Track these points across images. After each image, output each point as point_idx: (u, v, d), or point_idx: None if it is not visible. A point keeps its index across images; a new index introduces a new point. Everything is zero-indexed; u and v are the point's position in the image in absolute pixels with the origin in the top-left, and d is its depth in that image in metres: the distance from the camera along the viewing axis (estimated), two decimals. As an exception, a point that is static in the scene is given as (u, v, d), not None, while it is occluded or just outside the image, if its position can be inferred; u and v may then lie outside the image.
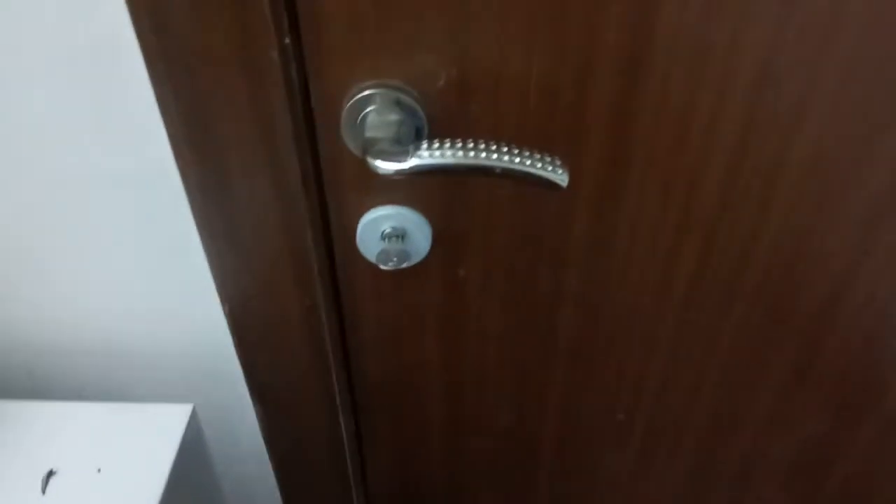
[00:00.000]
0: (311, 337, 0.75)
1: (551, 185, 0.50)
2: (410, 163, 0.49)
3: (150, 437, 0.74)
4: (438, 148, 0.49)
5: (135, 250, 0.71)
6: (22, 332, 0.77)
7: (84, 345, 0.78)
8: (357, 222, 0.64)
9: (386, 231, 0.63)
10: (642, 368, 0.78)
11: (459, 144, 0.49)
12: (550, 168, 0.49)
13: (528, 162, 0.49)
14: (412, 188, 0.62)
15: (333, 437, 0.88)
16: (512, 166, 0.49)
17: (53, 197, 0.66)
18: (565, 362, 0.78)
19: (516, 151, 0.49)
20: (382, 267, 0.62)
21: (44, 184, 0.65)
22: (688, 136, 0.57)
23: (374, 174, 0.59)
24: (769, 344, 0.74)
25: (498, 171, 0.49)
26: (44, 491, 0.68)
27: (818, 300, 0.70)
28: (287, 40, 0.51)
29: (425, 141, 0.50)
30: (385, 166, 0.50)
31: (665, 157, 0.58)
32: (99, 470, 0.71)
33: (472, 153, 0.49)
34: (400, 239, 0.63)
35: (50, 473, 0.69)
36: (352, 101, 0.55)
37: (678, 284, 0.69)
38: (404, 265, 0.63)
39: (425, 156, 0.49)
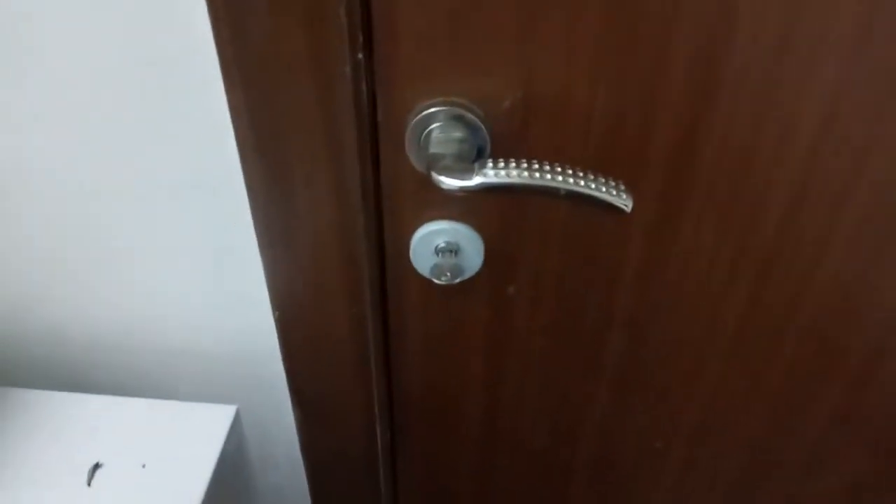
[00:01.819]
0: (356, 347, 0.76)
1: (614, 210, 0.50)
2: (476, 180, 0.50)
3: (195, 435, 0.75)
4: (504, 167, 0.50)
5: (192, 254, 0.73)
6: (78, 327, 0.79)
7: (135, 342, 0.80)
8: (411, 236, 0.65)
9: (440, 246, 0.64)
10: (685, 399, 0.78)
11: (525, 164, 0.50)
12: (615, 193, 0.50)
13: (594, 185, 0.49)
14: (467, 205, 0.63)
15: (368, 448, 0.89)
16: (577, 189, 0.49)
17: (116, 197, 0.68)
18: (607, 386, 0.78)
19: (581, 174, 0.50)
20: (436, 281, 0.63)
21: (109, 185, 0.67)
22: (749, 173, 0.58)
23: (431, 189, 0.60)
24: (815, 385, 0.73)
25: (562, 192, 0.50)
26: (89, 483, 0.69)
27: (868, 345, 0.69)
28: (360, 56, 0.53)
29: (491, 160, 0.51)
30: (450, 183, 0.51)
31: (725, 191, 0.58)
32: (144, 465, 0.72)
33: (537, 174, 0.50)
34: (453, 254, 0.64)
35: (96, 466, 0.71)
36: (418, 118, 0.56)
37: (728, 318, 0.68)
38: (457, 280, 0.63)
39: (491, 174, 0.50)
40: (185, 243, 0.72)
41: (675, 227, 0.62)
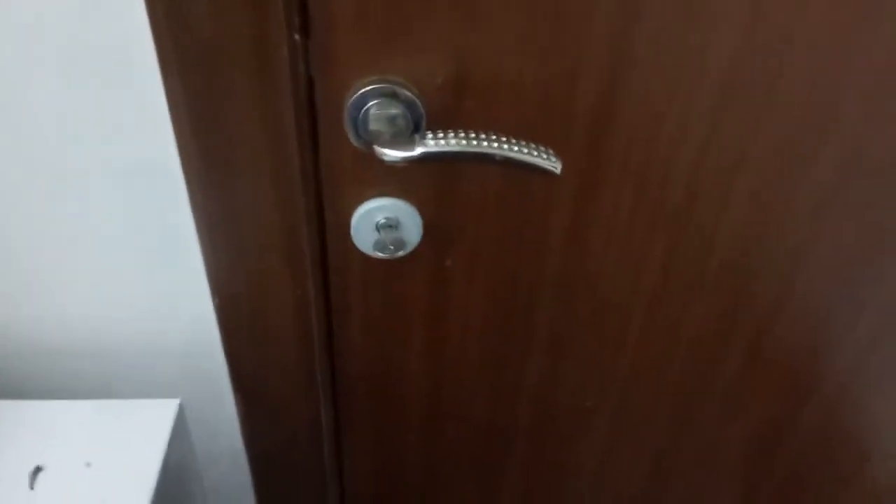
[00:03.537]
0: (299, 329, 0.77)
1: (546, 172, 0.55)
2: (418, 150, 0.53)
3: (139, 432, 0.74)
4: (443, 137, 0.54)
5: (125, 247, 0.72)
6: (8, 331, 0.77)
7: (72, 342, 0.78)
8: (352, 215, 0.67)
9: (380, 222, 0.67)
10: (612, 357, 0.84)
11: (462, 134, 0.54)
12: (546, 157, 0.54)
13: (526, 150, 0.53)
14: (406, 181, 0.66)
15: (312, 431, 0.90)
16: (511, 154, 0.53)
17: (44, 189, 0.67)
18: (541, 352, 0.83)
19: (514, 142, 0.54)
20: (379, 255, 0.65)
21: (37, 175, 0.66)
22: (660, 135, 0.63)
23: (370, 167, 0.63)
24: (726, 332, 0.81)
25: (498, 158, 0.53)
26: (32, 486, 0.68)
27: (769, 291, 0.77)
28: (297, 37, 0.55)
29: (430, 131, 0.54)
30: (393, 154, 0.54)
31: (640, 153, 0.64)
32: (88, 464, 0.71)
33: (475, 142, 0.53)
34: (394, 229, 0.67)
35: (37, 469, 0.69)
36: (355, 96, 0.59)
37: (648, 276, 0.74)
38: (399, 253, 0.66)
39: (431, 143, 0.53)
40: (116, 234, 0.71)
41: (596, 191, 0.67)
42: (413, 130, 0.60)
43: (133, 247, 0.72)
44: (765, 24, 0.57)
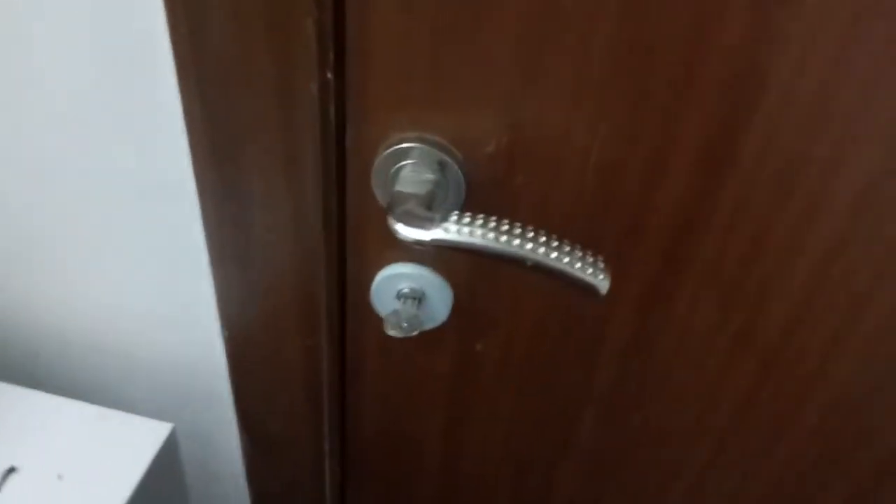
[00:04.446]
0: (309, 379, 0.70)
1: (588, 290, 0.43)
2: (432, 234, 0.44)
3: (122, 449, 0.69)
4: (468, 224, 0.44)
5: (147, 257, 0.67)
6: (24, 321, 0.75)
7: (81, 341, 0.75)
8: (375, 274, 0.59)
9: (403, 291, 0.58)
10: (664, 487, 0.70)
11: (492, 224, 0.44)
12: (591, 270, 0.43)
13: (567, 259, 0.43)
14: (439, 249, 0.57)
15: (316, 483, 0.83)
16: (546, 261, 0.43)
17: (61, 198, 0.64)
18: (578, 463, 0.71)
19: (555, 244, 0.43)
20: (389, 332, 0.56)
21: (64, 182, 0.62)
22: (760, 257, 0.50)
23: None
24: (811, 492, 0.65)
25: (529, 263, 0.43)
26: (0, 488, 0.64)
27: (876, 457, 0.61)
28: (330, 75, 0.47)
29: (456, 212, 0.44)
30: (405, 232, 0.44)
31: (729, 274, 0.51)
32: (60, 476, 0.67)
33: (503, 237, 0.43)
34: (416, 302, 0.58)
35: (10, 470, 0.66)
36: (389, 150, 0.50)
37: (722, 410, 0.61)
38: (414, 333, 0.57)
39: (451, 230, 0.44)
40: (137, 245, 0.66)
41: (668, 309, 0.55)
42: (448, 203, 0.50)
43: (156, 258, 0.67)
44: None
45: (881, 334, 0.53)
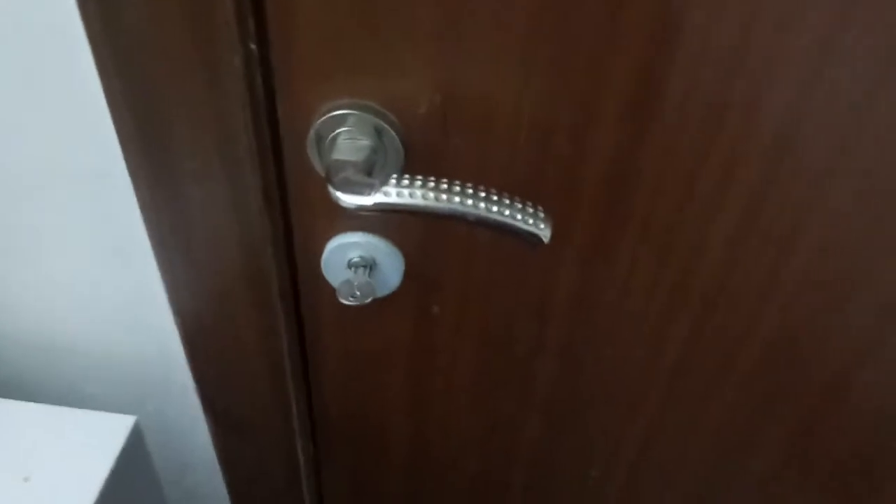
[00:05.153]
0: (269, 360, 0.69)
1: (531, 239, 0.44)
2: (374, 199, 0.44)
3: (87, 447, 0.69)
4: (408, 186, 0.44)
5: (89, 248, 0.66)
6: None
7: (32, 340, 0.73)
8: (324, 246, 0.58)
9: (353, 260, 0.58)
10: (621, 428, 0.72)
11: (432, 184, 0.44)
12: (532, 221, 0.43)
13: (508, 212, 0.43)
14: (386, 216, 0.56)
15: (290, 460, 0.83)
16: (488, 215, 0.43)
17: (4, 190, 0.61)
18: (539, 414, 0.72)
19: (495, 198, 0.44)
20: (343, 301, 0.56)
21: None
22: (693, 198, 0.51)
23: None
24: (760, 423, 0.68)
25: (471, 219, 0.43)
26: (-39, 498, 0.63)
27: (818, 385, 0.64)
28: (253, 46, 0.46)
29: (394, 176, 0.44)
30: (346, 199, 0.44)
31: (666, 217, 0.52)
32: (26, 479, 0.65)
33: (444, 196, 0.43)
34: (368, 270, 0.58)
35: (-29, 479, 0.64)
36: (322, 119, 0.49)
37: (669, 350, 0.63)
38: (368, 300, 0.57)
39: (392, 193, 0.44)
40: (82, 233, 0.65)
41: (611, 255, 0.56)
42: (388, 168, 0.50)
43: (98, 247, 0.66)
44: (831, 71, 0.44)
45: (812, 266, 0.54)
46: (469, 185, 0.44)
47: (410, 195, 0.43)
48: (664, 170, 0.50)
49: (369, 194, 0.43)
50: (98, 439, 0.69)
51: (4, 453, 0.67)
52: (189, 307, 0.65)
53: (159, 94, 0.49)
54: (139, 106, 0.49)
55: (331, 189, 0.45)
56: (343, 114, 0.49)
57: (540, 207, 0.44)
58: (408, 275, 0.59)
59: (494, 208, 0.43)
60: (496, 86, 0.47)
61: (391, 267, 0.58)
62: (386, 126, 0.49)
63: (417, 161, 0.50)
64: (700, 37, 0.43)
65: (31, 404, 0.71)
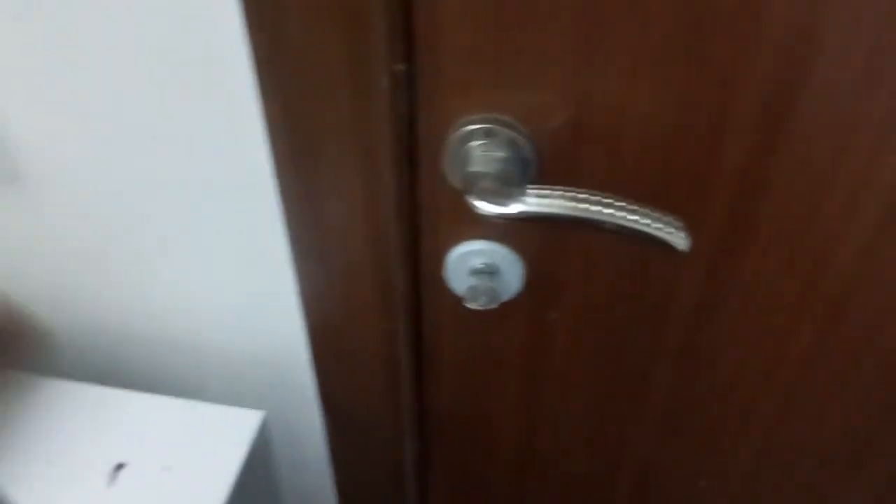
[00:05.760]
0: (387, 361, 0.73)
1: (667, 248, 0.45)
2: (515, 207, 0.46)
3: (220, 440, 0.73)
4: (547, 195, 0.46)
5: (231, 256, 0.71)
6: (113, 321, 0.79)
7: (168, 338, 0.79)
8: (447, 253, 0.61)
9: (476, 267, 0.60)
10: (735, 440, 0.72)
11: (571, 194, 0.46)
12: (670, 230, 0.45)
13: (647, 221, 0.45)
14: (508, 225, 0.59)
15: (397, 461, 0.86)
16: (626, 224, 0.45)
17: (152, 193, 0.67)
18: (652, 421, 0.73)
19: (633, 208, 0.45)
20: (469, 305, 0.59)
21: (145, 180, 0.66)
22: (823, 211, 0.51)
23: (468, 208, 0.57)
24: (878, 439, 0.67)
25: (609, 226, 0.45)
26: (111, 483, 0.69)
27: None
28: (400, 67, 0.49)
29: (534, 186, 0.47)
30: (487, 208, 0.47)
31: (794, 230, 0.53)
32: (165, 468, 0.71)
33: (583, 204, 0.45)
34: (490, 276, 0.60)
35: (119, 466, 0.70)
36: (459, 132, 0.52)
37: (788, 362, 0.62)
38: (493, 306, 0.59)
39: (532, 202, 0.46)
40: (220, 242, 0.70)
41: (735, 266, 0.56)
42: (521, 178, 0.52)
43: (239, 255, 0.71)
44: None
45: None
46: (607, 195, 0.46)
47: (550, 203, 0.45)
48: (795, 180, 0.51)
49: (509, 204, 0.46)
50: (231, 431, 0.74)
51: (145, 444, 0.72)
52: (318, 310, 0.69)
53: (312, 115, 0.53)
54: (293, 124, 0.54)
55: (470, 198, 0.48)
56: (479, 128, 0.51)
57: (677, 218, 0.46)
58: (528, 281, 0.62)
59: (633, 217, 0.44)
60: (628, 100, 0.49)
61: (512, 274, 0.61)
62: (520, 138, 0.51)
63: (548, 171, 0.53)
64: (833, 55, 0.44)
65: (171, 399, 0.76)
